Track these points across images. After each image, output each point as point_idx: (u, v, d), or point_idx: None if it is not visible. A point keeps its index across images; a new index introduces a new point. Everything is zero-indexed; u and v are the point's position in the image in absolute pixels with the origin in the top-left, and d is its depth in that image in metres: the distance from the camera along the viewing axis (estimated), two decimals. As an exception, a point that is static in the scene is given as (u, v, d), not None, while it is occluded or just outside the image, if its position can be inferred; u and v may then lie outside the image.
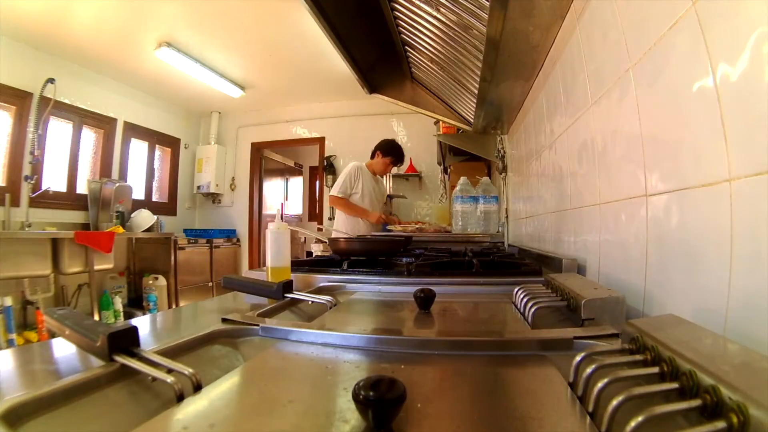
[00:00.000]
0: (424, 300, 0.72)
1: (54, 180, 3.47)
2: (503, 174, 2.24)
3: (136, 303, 3.89)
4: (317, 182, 5.73)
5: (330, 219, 4.69)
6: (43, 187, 3.32)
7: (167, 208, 4.77)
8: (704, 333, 0.38)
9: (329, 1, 1.19)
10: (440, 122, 2.57)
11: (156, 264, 3.96)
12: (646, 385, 0.31)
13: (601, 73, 0.82)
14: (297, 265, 1.19)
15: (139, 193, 4.31)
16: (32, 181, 3.21)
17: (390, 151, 2.95)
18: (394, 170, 4.42)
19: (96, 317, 3.28)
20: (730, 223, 0.43)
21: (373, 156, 2.98)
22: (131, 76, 3.97)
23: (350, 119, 4.81)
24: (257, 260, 5.01)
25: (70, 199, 3.64)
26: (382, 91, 1.88)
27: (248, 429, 0.33)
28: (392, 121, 4.71)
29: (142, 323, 0.78)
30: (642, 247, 0.65)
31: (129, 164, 4.24)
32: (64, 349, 0.53)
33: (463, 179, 2.38)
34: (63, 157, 3.62)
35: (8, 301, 2.74)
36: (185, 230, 4.49)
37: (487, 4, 0.88)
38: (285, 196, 6.42)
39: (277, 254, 0.95)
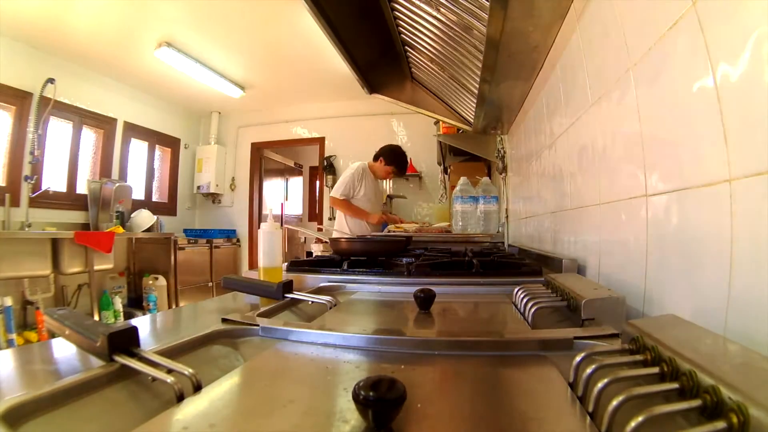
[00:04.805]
0: (424, 300, 0.72)
1: (54, 180, 3.47)
2: (503, 174, 2.23)
3: (136, 303, 3.89)
4: (317, 182, 5.73)
5: (330, 219, 4.70)
6: (43, 187, 3.32)
7: (167, 208, 4.77)
8: (704, 333, 0.38)
9: (329, 1, 1.19)
10: (440, 122, 2.57)
11: (156, 264, 3.96)
12: (646, 386, 0.31)
13: (601, 73, 0.82)
14: (297, 265, 1.19)
15: (139, 193, 4.31)
16: (32, 181, 3.21)
17: (393, 160, 2.92)
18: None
19: (96, 317, 3.28)
20: (730, 223, 0.43)
21: (376, 159, 2.97)
22: (131, 76, 3.96)
23: (350, 119, 4.82)
24: (257, 260, 5.01)
25: (70, 199, 3.64)
26: (382, 91, 1.88)
27: (248, 429, 0.33)
28: (392, 121, 4.71)
29: (142, 323, 0.78)
30: (642, 247, 0.65)
31: (129, 164, 4.24)
32: (64, 349, 0.53)
33: (463, 179, 2.38)
34: (63, 157, 3.62)
35: (8, 301, 2.74)
36: (185, 230, 4.49)
37: (487, 4, 0.88)
38: (285, 196, 6.42)
39: (269, 254, 0.95)
